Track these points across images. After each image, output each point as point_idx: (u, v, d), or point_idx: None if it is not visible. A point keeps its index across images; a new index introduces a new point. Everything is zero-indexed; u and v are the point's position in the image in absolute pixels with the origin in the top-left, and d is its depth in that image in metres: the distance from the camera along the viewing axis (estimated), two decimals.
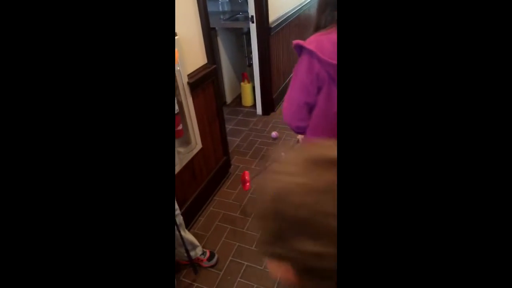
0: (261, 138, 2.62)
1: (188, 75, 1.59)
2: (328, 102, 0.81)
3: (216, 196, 2.03)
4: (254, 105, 3.05)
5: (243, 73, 3.07)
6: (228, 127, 2.82)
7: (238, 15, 3.07)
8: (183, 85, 1.55)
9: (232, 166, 2.28)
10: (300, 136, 1.04)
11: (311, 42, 0.82)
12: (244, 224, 1.81)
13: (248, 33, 2.70)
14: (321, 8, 0.81)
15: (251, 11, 2.45)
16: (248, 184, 1.87)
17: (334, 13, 0.79)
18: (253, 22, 2.50)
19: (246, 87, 3.08)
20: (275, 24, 2.65)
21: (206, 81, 1.76)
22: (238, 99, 3.31)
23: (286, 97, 0.92)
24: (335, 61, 0.74)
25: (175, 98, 1.46)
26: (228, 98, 3.27)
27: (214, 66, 1.79)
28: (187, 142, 1.72)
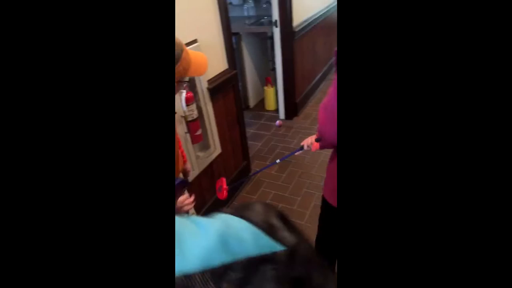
0: (283, 143, 2.59)
1: (208, 81, 1.61)
2: None
3: (236, 201, 2.03)
4: (278, 110, 3.02)
5: (267, 77, 3.06)
6: (250, 131, 2.82)
7: (262, 20, 3.07)
8: (203, 91, 1.56)
9: (252, 171, 2.27)
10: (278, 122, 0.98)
11: None
12: None
13: (272, 37, 2.69)
14: None
15: (275, 15, 2.43)
16: (225, 192, 1.49)
17: None
18: (276, 27, 2.48)
19: (269, 91, 3.07)
20: (299, 28, 2.61)
21: (226, 86, 1.77)
22: (261, 103, 3.31)
23: (323, 108, 0.83)
24: None
25: (195, 104, 1.48)
26: (252, 102, 3.27)
27: (235, 71, 1.79)
28: (206, 147, 1.73)
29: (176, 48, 0.79)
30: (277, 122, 2.67)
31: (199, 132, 1.58)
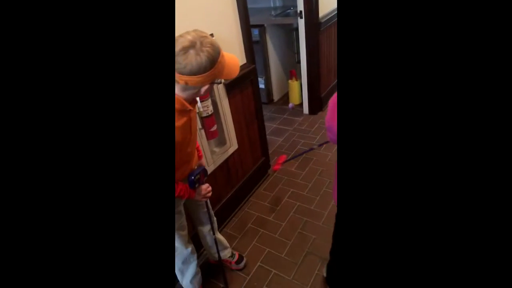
0: (305, 139, 2.51)
1: None
2: None
3: (252, 197, 2.01)
4: (302, 104, 2.94)
5: (291, 71, 2.97)
6: (272, 125, 2.77)
7: (289, 10, 2.97)
8: (218, 86, 1.54)
9: (271, 167, 2.23)
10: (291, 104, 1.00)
11: None
12: (277, 229, 1.75)
13: (297, 29, 2.59)
14: None
15: (300, 6, 2.34)
16: (278, 166, 1.90)
17: None
18: (301, 18, 2.38)
19: (293, 84, 2.99)
20: (325, 19, 2.49)
21: (244, 81, 1.73)
22: (285, 97, 3.23)
23: (335, 102, 0.82)
24: None
25: (209, 100, 1.46)
26: (276, 96, 3.21)
27: (253, 66, 1.74)
28: (222, 142, 1.72)
29: (213, 51, 0.80)
30: (290, 105, 2.80)
31: (214, 128, 1.57)
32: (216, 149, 1.69)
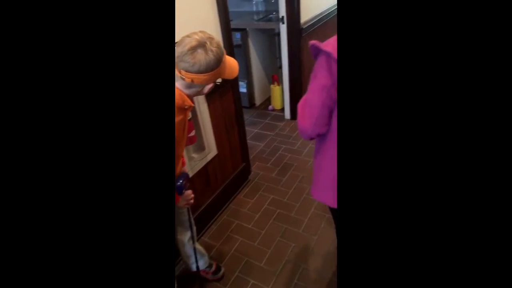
0: (286, 144, 2.50)
1: None
2: None
3: (232, 204, 1.97)
4: (283, 109, 2.93)
5: (273, 75, 2.96)
6: (254, 130, 2.74)
7: (271, 15, 2.96)
8: None
9: (252, 173, 2.20)
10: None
11: (328, 44, 0.77)
12: (256, 237, 1.72)
13: (280, 34, 2.59)
14: None
15: (282, 11, 2.33)
16: None
17: None
18: (283, 23, 2.38)
19: (275, 89, 2.98)
20: (308, 25, 2.50)
21: (224, 86, 1.69)
22: (268, 101, 3.22)
23: (303, 104, 0.86)
24: None
25: None
26: (258, 100, 3.19)
27: None
28: (201, 148, 1.67)
29: (220, 51, 0.85)
30: (270, 107, 2.87)
31: (192, 133, 1.52)
32: (195, 155, 1.64)
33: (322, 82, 0.78)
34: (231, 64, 0.94)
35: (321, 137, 0.90)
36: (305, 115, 0.85)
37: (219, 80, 0.93)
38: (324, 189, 0.93)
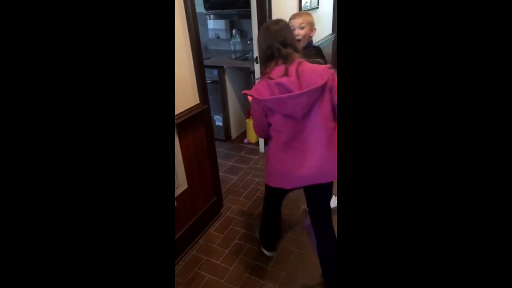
0: (260, 177, 2.54)
1: (175, 116, 1.58)
2: (271, 118, 1.25)
3: (202, 239, 1.93)
4: (258, 142, 3.00)
5: (248, 110, 3.06)
6: (228, 163, 2.77)
7: (247, 55, 3.13)
8: None
9: (224, 207, 2.19)
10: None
11: (253, 88, 1.24)
12: (224, 274, 1.68)
13: (254, 72, 2.72)
14: (262, 62, 1.28)
15: (256, 52, 2.48)
16: None
17: (265, 65, 1.25)
18: (257, 63, 2.52)
19: (251, 123, 3.06)
20: None
21: (197, 121, 1.74)
22: (243, 135, 3.29)
23: (253, 121, 1.33)
24: (266, 97, 1.17)
25: None
26: (234, 133, 3.26)
27: (206, 106, 1.78)
28: None
29: None
30: (245, 140, 3.02)
31: None
32: None
33: (255, 111, 1.26)
34: None
35: (269, 140, 1.34)
36: (255, 127, 1.35)
37: None
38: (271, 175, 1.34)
